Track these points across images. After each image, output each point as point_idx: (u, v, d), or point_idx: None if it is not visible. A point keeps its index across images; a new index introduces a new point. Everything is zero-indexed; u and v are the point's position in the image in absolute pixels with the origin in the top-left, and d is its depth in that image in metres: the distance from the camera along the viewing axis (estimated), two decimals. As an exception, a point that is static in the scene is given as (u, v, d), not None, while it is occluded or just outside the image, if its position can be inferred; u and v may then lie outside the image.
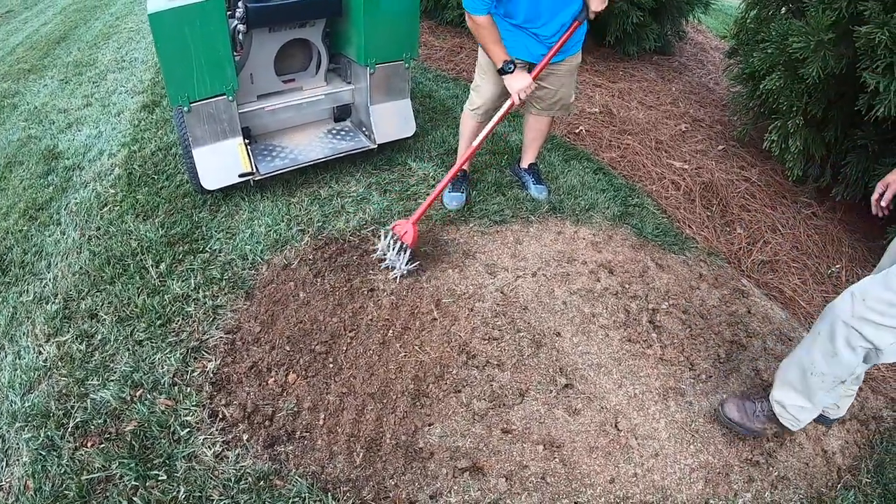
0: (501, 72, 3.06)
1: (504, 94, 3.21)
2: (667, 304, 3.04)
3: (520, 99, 3.06)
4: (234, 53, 3.21)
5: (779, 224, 3.80)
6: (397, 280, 3.02)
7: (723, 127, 4.82)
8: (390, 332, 2.76)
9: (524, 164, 3.78)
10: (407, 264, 3.00)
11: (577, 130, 4.51)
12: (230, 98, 3.19)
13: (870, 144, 3.56)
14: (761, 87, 3.86)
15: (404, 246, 2.99)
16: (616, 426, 2.47)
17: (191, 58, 2.97)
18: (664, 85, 5.48)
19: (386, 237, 3.06)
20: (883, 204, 2.06)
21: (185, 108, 3.10)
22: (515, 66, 3.04)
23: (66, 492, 2.09)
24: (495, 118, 3.17)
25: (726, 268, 3.40)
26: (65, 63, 5.92)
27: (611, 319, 2.92)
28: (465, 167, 3.60)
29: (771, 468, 2.42)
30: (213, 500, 2.09)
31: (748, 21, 4.40)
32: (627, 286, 3.11)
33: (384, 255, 3.07)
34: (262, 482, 2.16)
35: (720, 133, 4.71)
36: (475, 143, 3.21)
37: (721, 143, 4.53)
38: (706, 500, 2.28)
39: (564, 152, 4.19)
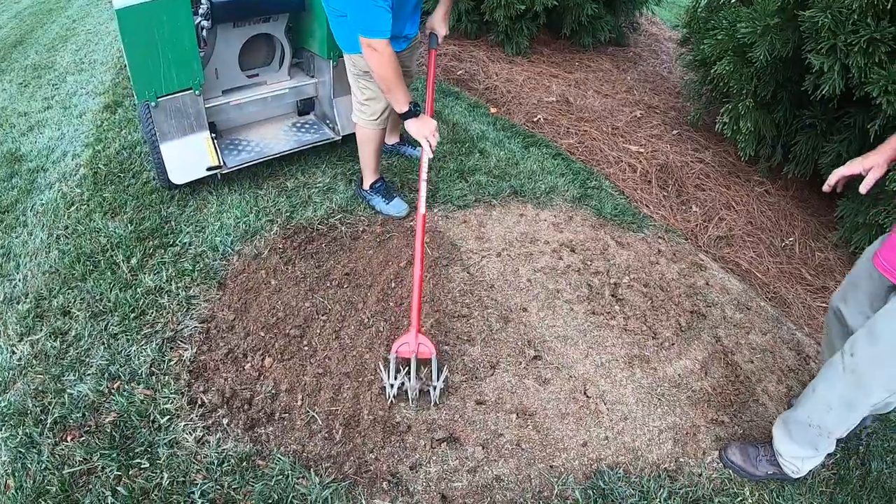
0: (407, 115, 2.82)
1: None
2: (628, 278, 3.16)
3: (434, 142, 2.84)
4: (199, 49, 3.25)
5: (733, 202, 3.95)
6: (434, 406, 2.48)
7: (677, 113, 4.97)
8: (362, 314, 2.83)
9: (396, 140, 3.95)
10: (440, 379, 2.48)
11: (535, 119, 4.62)
12: (197, 92, 3.22)
13: (817, 123, 3.71)
14: (712, 72, 4.01)
15: (429, 360, 2.50)
16: (585, 393, 2.58)
17: (157, 53, 3.00)
18: (619, 74, 5.62)
19: (393, 367, 2.46)
20: (863, 191, 1.98)
21: (153, 104, 3.13)
22: (419, 109, 2.86)
23: (48, 487, 2.10)
24: (422, 178, 2.79)
25: (684, 244, 3.53)
26: (22, 66, 5.85)
27: (574, 294, 3.03)
28: (381, 176, 3.51)
29: (736, 427, 2.54)
30: (196, 484, 2.13)
31: (699, 10, 4.56)
32: (589, 263, 3.22)
33: (403, 384, 2.45)
34: (244, 463, 2.21)
35: (674, 119, 4.86)
36: (423, 211, 2.75)
37: (675, 128, 4.68)
38: (676, 459, 2.40)
39: (524, 139, 4.30)
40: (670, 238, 3.55)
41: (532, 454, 2.35)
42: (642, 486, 2.27)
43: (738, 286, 3.27)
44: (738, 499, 2.28)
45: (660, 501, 2.22)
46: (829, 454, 2.35)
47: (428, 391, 2.46)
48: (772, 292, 3.32)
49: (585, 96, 5.05)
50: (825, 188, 2.11)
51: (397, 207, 3.43)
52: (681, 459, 2.40)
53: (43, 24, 7.26)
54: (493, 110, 4.66)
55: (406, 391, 2.45)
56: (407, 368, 2.46)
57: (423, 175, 2.78)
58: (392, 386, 2.43)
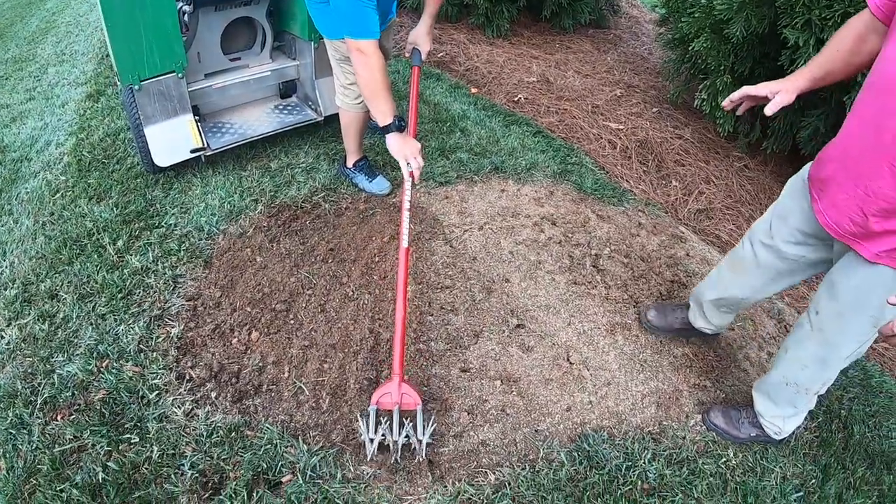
0: (387, 130, 2.53)
1: None
2: (608, 249, 3.21)
3: (417, 165, 2.55)
4: (182, 34, 3.27)
5: (713, 176, 4.01)
6: (420, 458, 2.21)
7: (657, 92, 5.02)
8: (347, 287, 2.87)
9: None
10: (426, 433, 2.20)
11: (516, 98, 4.67)
12: (180, 75, 3.25)
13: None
14: (690, 49, 4.06)
15: (415, 412, 2.22)
16: (568, 360, 2.64)
17: (140, 36, 3.02)
18: (600, 56, 5.66)
19: (373, 419, 2.19)
20: (768, 113, 1.92)
21: (136, 87, 3.15)
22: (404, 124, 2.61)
23: (40, 466, 2.14)
24: (404, 209, 2.51)
25: (664, 217, 3.59)
26: (3, 60, 5.84)
27: (556, 265, 3.08)
28: (364, 154, 3.51)
29: (718, 391, 2.61)
30: (186, 456, 2.18)
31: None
32: (570, 235, 3.27)
33: (384, 438, 2.18)
34: (233, 434, 2.25)
35: (654, 97, 4.91)
36: (406, 245, 2.46)
37: (655, 107, 4.73)
38: (659, 422, 2.46)
39: (504, 118, 4.35)
40: (650, 211, 3.60)
41: (517, 419, 2.40)
42: (626, 449, 2.33)
43: (718, 257, 3.32)
44: (722, 460, 2.34)
45: (644, 462, 2.28)
46: (811, 414, 2.43)
47: (413, 445, 2.19)
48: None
49: (566, 76, 5.09)
50: (726, 103, 2.03)
51: (380, 185, 3.46)
52: (664, 423, 2.47)
53: (23, 18, 7.25)
54: (473, 91, 4.70)
55: (388, 445, 2.19)
56: (398, 418, 2.18)
57: (406, 204, 2.49)
58: (372, 441, 2.15)
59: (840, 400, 2.64)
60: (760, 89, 1.94)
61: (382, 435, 2.17)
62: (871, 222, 1.71)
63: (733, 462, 2.35)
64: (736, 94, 2.00)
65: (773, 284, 2.27)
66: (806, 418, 2.45)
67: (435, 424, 2.28)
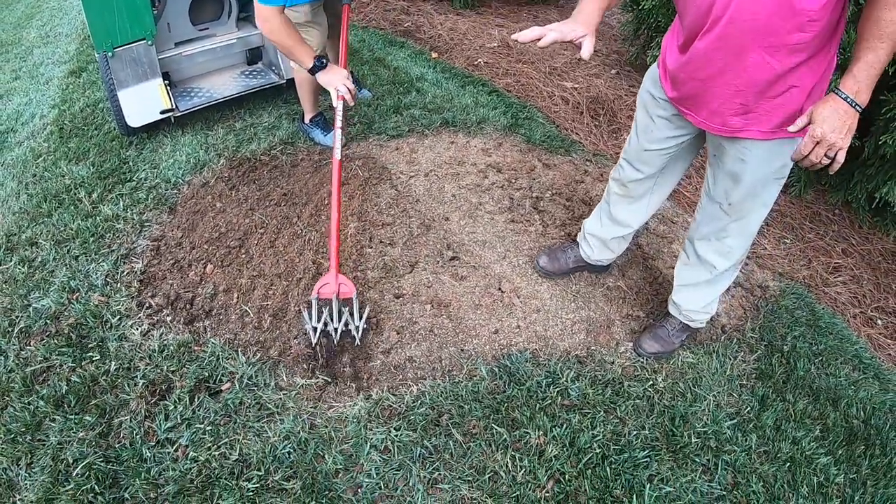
0: (312, 72, 2.91)
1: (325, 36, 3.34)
2: (550, 192, 3.41)
3: (348, 91, 2.88)
4: (154, 9, 3.53)
5: (661, 129, 4.19)
6: (357, 342, 2.56)
7: (618, 56, 5.19)
8: (296, 226, 3.12)
9: None
10: (362, 319, 2.55)
11: (475, 62, 4.87)
12: (150, 42, 3.52)
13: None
14: (641, 7, 4.25)
15: (350, 300, 2.53)
16: (500, 289, 2.84)
17: (112, 7, 3.30)
18: (567, 23, 5.83)
19: (315, 308, 2.49)
20: (586, 57, 1.81)
21: (110, 54, 3.43)
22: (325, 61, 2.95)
23: (12, 385, 2.39)
24: (337, 126, 2.83)
25: (611, 165, 3.73)
26: (-10, 45, 6.12)
27: (496, 206, 3.29)
28: (321, 111, 3.79)
29: (651, 321, 2.74)
30: (139, 369, 2.43)
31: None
32: (514, 181, 3.48)
33: (326, 327, 2.52)
34: (182, 349, 2.51)
35: (615, 61, 5.09)
36: (338, 158, 2.77)
37: (615, 69, 4.92)
38: (588, 348, 2.62)
39: (462, 79, 4.55)
40: (598, 161, 3.79)
41: (444, 339, 2.61)
42: (550, 368, 2.49)
43: (665, 203, 3.47)
44: (649, 383, 2.47)
45: (567, 380, 2.44)
46: (749, 347, 2.63)
47: (350, 331, 2.54)
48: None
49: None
50: (521, 37, 1.83)
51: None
52: (593, 348, 2.62)
53: (9, 5, 7.49)
54: (434, 55, 4.90)
55: (329, 332, 2.53)
56: (338, 306, 2.49)
57: (338, 122, 2.82)
58: (315, 329, 2.48)
59: (784, 337, 2.74)
60: (567, 34, 1.80)
61: (324, 323, 2.49)
62: (752, 107, 1.88)
63: (661, 386, 2.47)
64: (531, 34, 1.80)
65: (670, 174, 2.45)
66: (744, 350, 2.64)
67: (369, 310, 2.63)
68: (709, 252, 2.36)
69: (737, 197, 2.13)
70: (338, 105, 2.87)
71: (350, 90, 2.88)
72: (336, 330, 2.50)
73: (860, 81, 1.61)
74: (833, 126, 1.60)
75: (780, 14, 1.64)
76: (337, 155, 2.74)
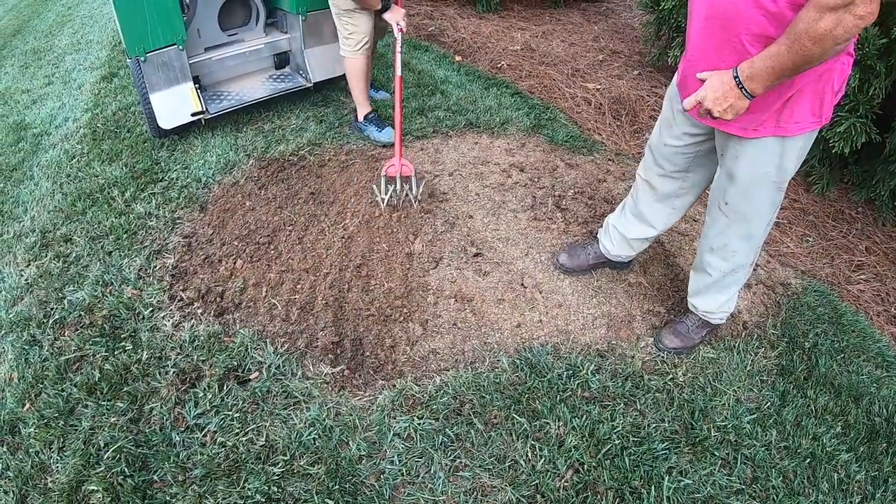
0: (381, 11, 3.43)
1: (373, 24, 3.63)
2: (573, 191, 3.45)
3: (405, 24, 3.43)
4: (184, 16, 3.65)
5: (684, 130, 4.21)
6: (418, 203, 3.27)
7: (640, 57, 5.23)
8: (323, 223, 3.19)
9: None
10: (419, 189, 3.30)
11: (499, 65, 4.93)
12: (180, 47, 3.64)
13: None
14: (662, 8, 4.28)
15: (410, 176, 3.26)
16: (522, 284, 2.88)
17: (145, 14, 3.44)
18: (588, 26, 5.89)
19: (383, 183, 3.23)
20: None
21: (142, 59, 3.55)
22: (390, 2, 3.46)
23: (47, 373, 2.48)
24: (398, 52, 3.39)
25: (634, 165, 3.78)
26: (23, 52, 6.29)
27: (519, 204, 3.34)
28: (374, 108, 3.99)
29: (672, 317, 2.73)
30: (170, 359, 2.51)
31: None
32: (537, 180, 3.53)
33: (394, 197, 3.26)
34: (212, 339, 2.58)
35: (637, 62, 5.12)
36: (399, 74, 3.36)
37: (637, 69, 4.95)
38: (609, 342, 2.64)
39: (485, 82, 4.62)
40: (620, 160, 3.82)
41: (467, 332, 2.65)
42: (570, 361, 2.52)
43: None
44: (669, 377, 2.49)
45: (587, 373, 2.47)
46: (771, 344, 2.62)
47: (410, 199, 3.25)
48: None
49: (550, 45, 5.33)
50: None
51: (388, 135, 3.85)
52: (613, 343, 2.64)
53: (39, 14, 7.72)
54: (457, 58, 4.98)
55: (397, 200, 3.25)
56: (401, 181, 3.22)
57: (399, 47, 3.37)
58: (383, 200, 3.22)
59: (805, 334, 2.73)
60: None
61: (390, 195, 3.24)
62: None
63: (681, 380, 2.48)
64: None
65: (695, 183, 2.46)
66: (765, 346, 2.65)
67: (425, 182, 3.42)
68: (710, 255, 2.39)
69: (732, 197, 2.16)
70: (398, 36, 3.38)
71: (404, 26, 3.41)
72: (399, 197, 3.25)
73: (755, 67, 1.71)
74: (714, 94, 1.78)
75: (746, 3, 1.72)
76: (398, 72, 3.33)
